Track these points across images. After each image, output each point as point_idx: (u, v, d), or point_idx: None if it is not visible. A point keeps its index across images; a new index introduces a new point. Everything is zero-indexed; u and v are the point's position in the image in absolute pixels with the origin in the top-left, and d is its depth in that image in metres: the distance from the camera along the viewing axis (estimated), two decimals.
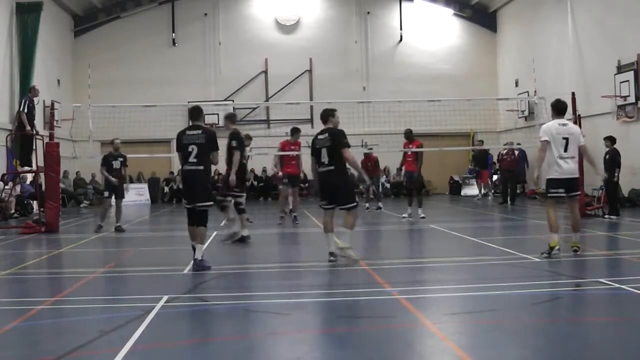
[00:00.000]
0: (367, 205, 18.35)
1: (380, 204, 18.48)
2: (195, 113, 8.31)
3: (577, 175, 8.66)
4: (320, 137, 8.44)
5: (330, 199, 8.36)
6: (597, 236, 11.26)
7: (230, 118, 11.23)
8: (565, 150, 8.42)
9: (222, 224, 11.65)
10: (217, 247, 10.19)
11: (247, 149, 13.46)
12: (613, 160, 14.12)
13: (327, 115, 8.56)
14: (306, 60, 27.17)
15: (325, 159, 8.29)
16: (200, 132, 8.08)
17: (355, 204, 8.40)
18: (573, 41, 21.00)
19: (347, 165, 8.43)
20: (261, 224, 14.27)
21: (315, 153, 8.44)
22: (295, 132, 14.47)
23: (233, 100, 26.07)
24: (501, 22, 27.72)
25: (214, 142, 8.12)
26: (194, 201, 8.08)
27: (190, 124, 8.31)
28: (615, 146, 14.26)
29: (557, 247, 8.36)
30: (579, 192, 8.92)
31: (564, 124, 8.54)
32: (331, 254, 8.31)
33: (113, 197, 13.52)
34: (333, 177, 8.27)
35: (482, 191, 24.58)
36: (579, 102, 15.79)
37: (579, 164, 8.78)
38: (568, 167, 8.48)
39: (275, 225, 13.95)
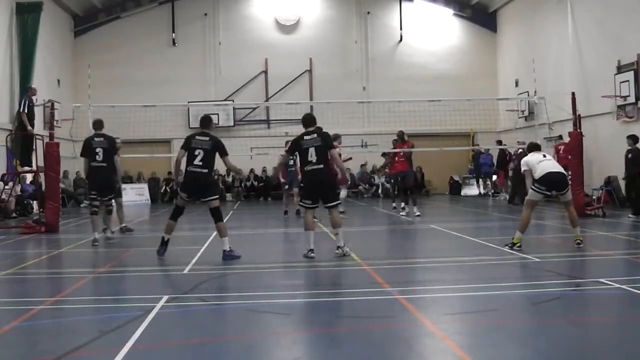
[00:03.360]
0: (394, 205, 16.90)
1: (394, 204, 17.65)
2: (205, 122, 9.18)
3: (561, 170, 9.36)
4: (307, 137, 8.93)
5: (317, 198, 8.94)
6: (597, 236, 11.25)
7: (94, 124, 11.64)
8: (544, 156, 9.49)
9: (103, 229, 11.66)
10: (218, 247, 10.16)
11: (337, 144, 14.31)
12: (635, 159, 14.05)
13: (314, 120, 9.26)
14: (306, 60, 27.16)
15: (313, 157, 8.80)
16: (207, 139, 8.93)
17: (339, 201, 9.24)
18: (573, 41, 20.98)
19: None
20: (261, 224, 14.26)
21: (302, 152, 8.93)
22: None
23: (233, 100, 26.08)
24: (501, 22, 27.70)
25: (222, 148, 8.96)
26: (202, 198, 8.93)
27: (200, 131, 9.09)
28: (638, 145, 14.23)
29: (518, 244, 9.12)
30: (567, 187, 9.38)
31: (544, 155, 9.58)
32: (311, 250, 8.78)
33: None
34: (324, 175, 8.85)
35: (482, 190, 24.62)
36: (579, 102, 15.79)
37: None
38: (549, 164, 9.26)
39: (274, 225, 13.94)
